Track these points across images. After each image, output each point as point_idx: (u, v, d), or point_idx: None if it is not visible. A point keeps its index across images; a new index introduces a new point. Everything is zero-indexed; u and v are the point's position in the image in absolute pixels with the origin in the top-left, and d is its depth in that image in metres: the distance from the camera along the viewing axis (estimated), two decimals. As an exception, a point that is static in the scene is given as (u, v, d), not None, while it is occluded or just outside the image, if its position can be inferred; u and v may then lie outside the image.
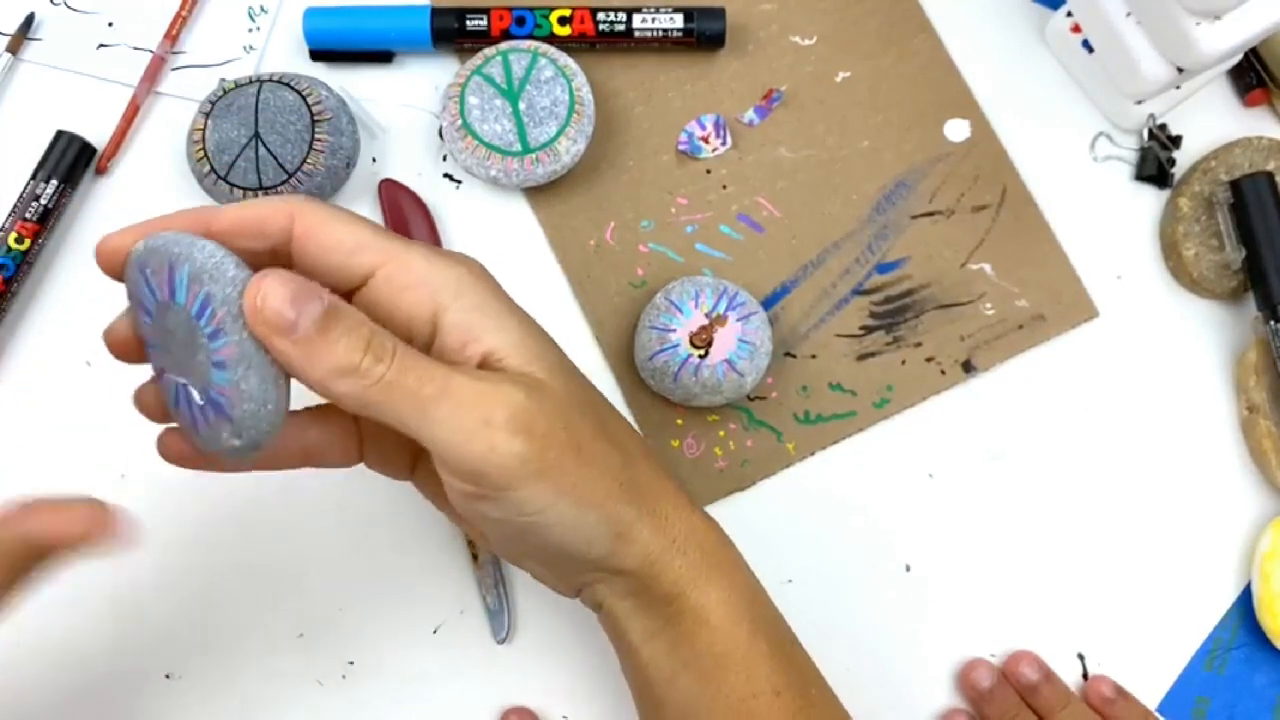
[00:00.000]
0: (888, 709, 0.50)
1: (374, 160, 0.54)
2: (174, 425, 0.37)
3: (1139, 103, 0.53)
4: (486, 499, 0.35)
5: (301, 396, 0.40)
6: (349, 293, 0.36)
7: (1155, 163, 0.54)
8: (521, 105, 0.52)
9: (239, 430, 0.34)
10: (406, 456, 0.41)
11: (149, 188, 0.54)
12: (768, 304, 0.53)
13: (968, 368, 0.53)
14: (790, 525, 0.52)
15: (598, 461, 0.36)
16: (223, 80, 0.54)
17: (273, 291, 0.32)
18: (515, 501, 0.34)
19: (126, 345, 0.37)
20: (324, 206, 0.36)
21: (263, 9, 0.55)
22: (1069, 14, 0.54)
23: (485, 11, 0.53)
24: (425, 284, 0.35)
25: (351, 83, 0.54)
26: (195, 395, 0.35)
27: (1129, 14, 0.48)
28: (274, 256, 0.36)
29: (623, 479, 0.37)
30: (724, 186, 0.54)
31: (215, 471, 0.39)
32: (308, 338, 0.32)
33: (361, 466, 0.41)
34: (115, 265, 0.36)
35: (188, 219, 0.35)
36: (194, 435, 0.35)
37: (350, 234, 0.35)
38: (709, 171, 0.54)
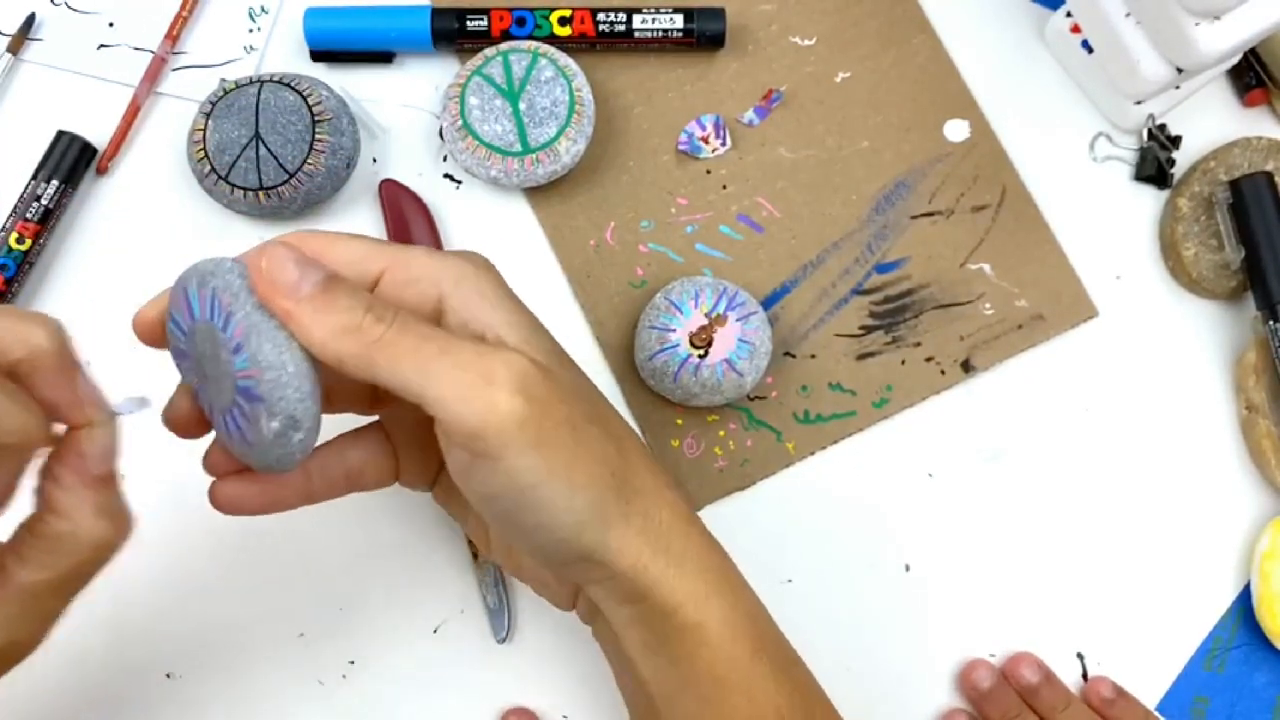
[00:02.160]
0: (888, 709, 0.50)
1: (374, 160, 0.54)
2: (217, 479, 0.38)
3: (1138, 103, 0.53)
4: (482, 469, 0.34)
5: (339, 423, 0.41)
6: None
7: (1155, 163, 0.54)
8: (522, 105, 0.52)
9: (272, 409, 0.33)
10: (432, 469, 0.43)
11: (150, 188, 0.54)
12: (767, 304, 0.53)
13: (967, 367, 0.53)
14: (790, 525, 0.52)
15: (591, 445, 0.35)
16: (223, 80, 0.54)
17: (277, 253, 0.33)
18: (510, 472, 0.34)
19: (187, 420, 0.38)
20: (324, 232, 0.37)
21: (263, 9, 0.55)
22: (1068, 14, 0.54)
23: (485, 12, 0.53)
24: (427, 276, 0.36)
25: (352, 83, 0.54)
26: (236, 402, 0.35)
27: (1128, 14, 0.48)
28: None
29: (615, 469, 0.36)
30: (724, 186, 0.54)
31: (272, 510, 0.39)
32: (310, 297, 0.33)
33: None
34: (154, 333, 0.37)
35: None
36: (248, 451, 0.35)
37: (352, 248, 0.36)
38: (709, 171, 0.54)
